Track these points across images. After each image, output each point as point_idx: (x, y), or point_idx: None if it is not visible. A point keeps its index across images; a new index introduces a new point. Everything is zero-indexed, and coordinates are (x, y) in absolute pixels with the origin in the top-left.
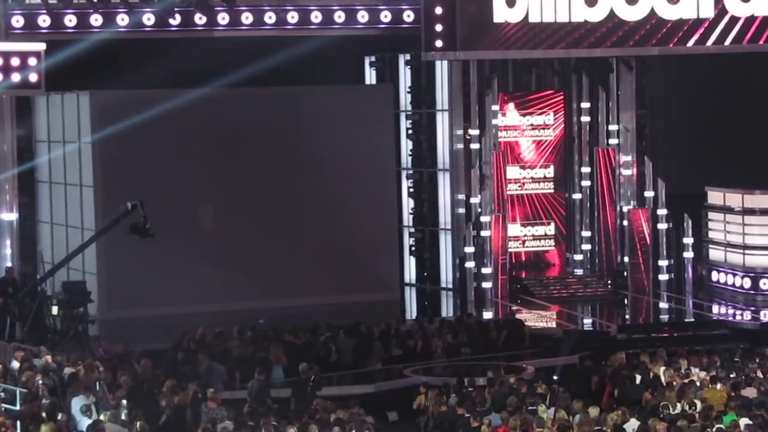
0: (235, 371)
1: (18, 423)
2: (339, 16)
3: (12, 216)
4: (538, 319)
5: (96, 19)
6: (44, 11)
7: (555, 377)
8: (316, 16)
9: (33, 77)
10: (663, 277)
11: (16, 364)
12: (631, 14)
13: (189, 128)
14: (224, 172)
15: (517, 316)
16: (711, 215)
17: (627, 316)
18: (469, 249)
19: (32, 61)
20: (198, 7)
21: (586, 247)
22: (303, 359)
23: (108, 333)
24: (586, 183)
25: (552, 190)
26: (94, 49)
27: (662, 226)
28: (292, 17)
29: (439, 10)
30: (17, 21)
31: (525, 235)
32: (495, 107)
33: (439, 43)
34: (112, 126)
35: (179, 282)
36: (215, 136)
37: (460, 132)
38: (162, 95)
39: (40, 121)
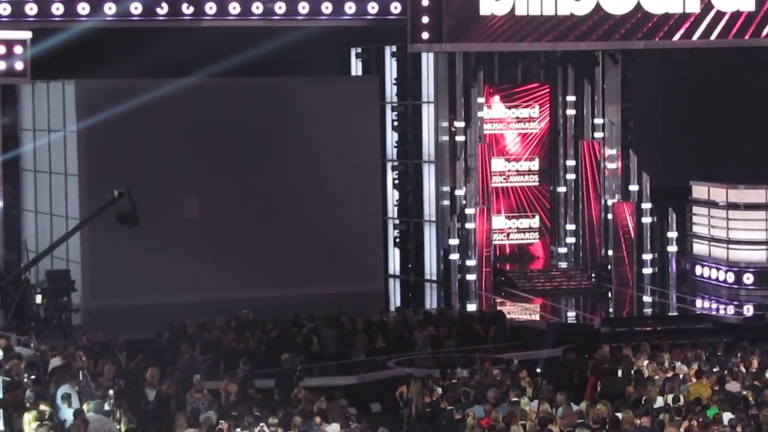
0: (219, 361)
1: (1, 411)
2: (326, 7)
3: None
4: (522, 312)
5: (83, 8)
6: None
7: (538, 370)
8: (303, 7)
9: (19, 65)
10: (647, 270)
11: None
12: (617, 8)
13: (175, 118)
14: (210, 162)
15: (501, 308)
16: (695, 209)
17: (610, 310)
18: (454, 241)
19: (18, 50)
20: None
21: (571, 240)
22: (285, 350)
23: (92, 322)
24: (570, 176)
25: (537, 183)
26: (80, 38)
27: (646, 219)
28: (280, 7)
29: (425, 2)
30: (4, 9)
31: (509, 228)
32: (480, 99)
33: (425, 35)
34: (98, 115)
35: (163, 272)
36: (201, 126)
37: (445, 124)
38: (148, 84)
39: (26, 109)
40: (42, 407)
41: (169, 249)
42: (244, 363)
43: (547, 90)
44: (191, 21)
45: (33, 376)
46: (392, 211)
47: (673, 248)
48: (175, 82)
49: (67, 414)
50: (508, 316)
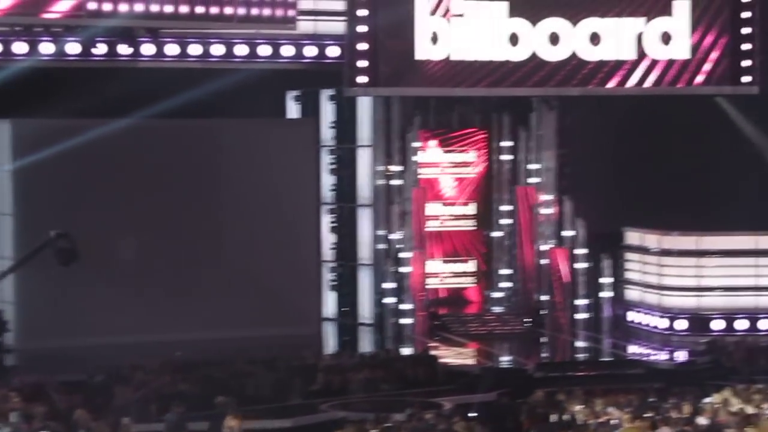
0: (152, 404)
1: None
2: (264, 50)
3: None
4: (456, 356)
5: (20, 47)
6: None
7: (472, 414)
8: (240, 49)
9: None
10: (581, 316)
11: None
12: (553, 54)
13: (111, 158)
14: (146, 204)
15: (435, 352)
16: (628, 255)
17: (545, 354)
18: (389, 285)
19: None
20: (122, 37)
21: (505, 284)
22: (220, 392)
23: (25, 363)
24: (506, 221)
25: (473, 228)
26: (17, 77)
27: (581, 265)
28: (217, 49)
29: (362, 46)
30: None
31: (445, 272)
32: (417, 144)
33: (362, 79)
34: (34, 154)
35: (98, 313)
36: (138, 167)
37: (381, 168)
38: (85, 125)
39: None
40: None
41: (105, 290)
42: (178, 405)
43: (484, 135)
44: (128, 61)
45: None
46: (328, 254)
47: (606, 294)
48: (112, 122)
49: None
50: (442, 360)
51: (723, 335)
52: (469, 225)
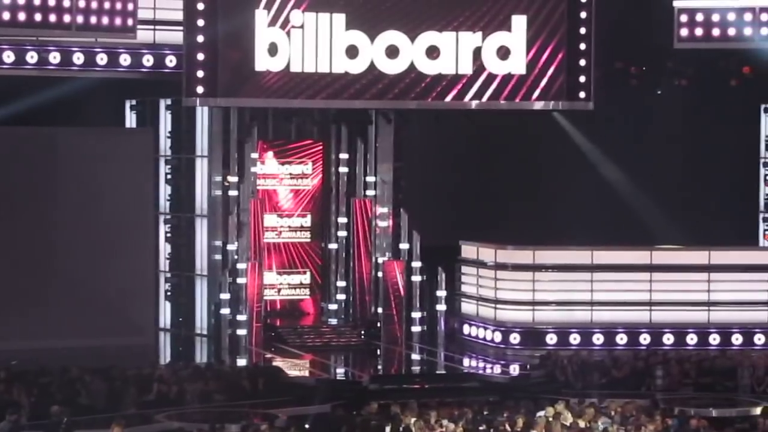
0: None
1: None
2: (101, 59)
3: None
4: (292, 367)
5: None
6: None
7: (307, 426)
8: (78, 58)
9: None
10: (416, 328)
11: None
12: (391, 67)
13: None
14: None
15: (271, 363)
16: (464, 269)
17: (380, 367)
18: (225, 296)
19: None
20: None
21: (341, 296)
22: (53, 401)
23: None
24: (342, 233)
25: (309, 239)
26: None
27: (416, 278)
28: (54, 57)
29: (201, 56)
30: None
31: (281, 284)
32: (254, 155)
33: (200, 89)
34: None
35: None
36: None
37: (219, 178)
38: None
39: None
40: None
41: None
42: (11, 414)
43: (321, 147)
44: None
45: None
46: (164, 264)
47: (442, 307)
48: None
49: None
50: (278, 372)
51: (556, 349)
52: (305, 237)
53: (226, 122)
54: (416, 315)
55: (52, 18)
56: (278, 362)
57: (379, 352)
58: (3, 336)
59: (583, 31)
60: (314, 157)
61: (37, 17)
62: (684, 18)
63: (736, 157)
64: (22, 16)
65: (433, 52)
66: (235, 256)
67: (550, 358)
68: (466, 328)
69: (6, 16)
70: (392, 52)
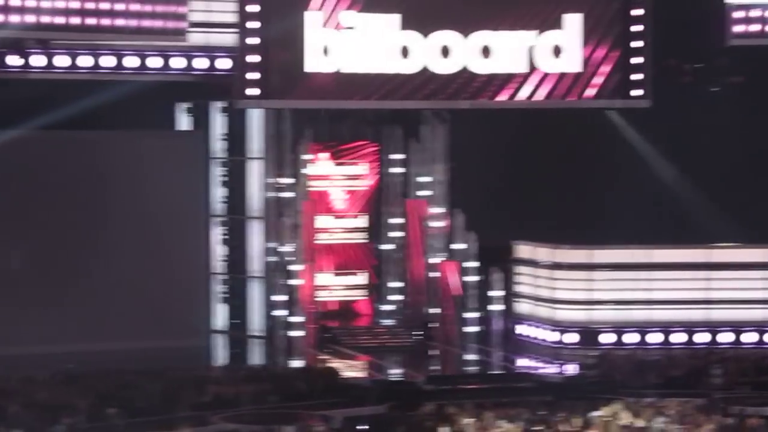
0: (42, 415)
1: None
2: (154, 62)
3: None
4: (347, 369)
5: None
6: None
7: (362, 427)
8: (131, 61)
9: None
10: (471, 329)
11: None
12: (444, 68)
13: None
14: (36, 214)
15: (326, 365)
16: (519, 269)
17: (435, 367)
18: (279, 297)
19: None
20: (12, 48)
21: (396, 297)
22: (110, 404)
23: None
24: (397, 234)
25: (363, 240)
26: None
27: (471, 278)
28: (107, 61)
29: (252, 59)
30: None
31: (335, 285)
32: (307, 156)
33: (252, 91)
34: None
35: None
36: (27, 178)
37: (272, 180)
38: None
39: None
40: None
41: None
42: (67, 416)
43: (375, 148)
44: (19, 72)
45: None
46: (219, 266)
47: (496, 307)
48: (1, 133)
49: None
50: (334, 373)
51: (613, 349)
52: (359, 238)
53: (279, 124)
54: (471, 315)
55: (105, 22)
56: (333, 363)
57: (433, 353)
58: (60, 339)
59: (637, 28)
60: (368, 158)
61: (90, 21)
62: (739, 14)
63: None
64: (75, 21)
65: (486, 51)
66: (289, 258)
67: (606, 358)
68: (520, 328)
69: (60, 20)
70: (445, 51)
